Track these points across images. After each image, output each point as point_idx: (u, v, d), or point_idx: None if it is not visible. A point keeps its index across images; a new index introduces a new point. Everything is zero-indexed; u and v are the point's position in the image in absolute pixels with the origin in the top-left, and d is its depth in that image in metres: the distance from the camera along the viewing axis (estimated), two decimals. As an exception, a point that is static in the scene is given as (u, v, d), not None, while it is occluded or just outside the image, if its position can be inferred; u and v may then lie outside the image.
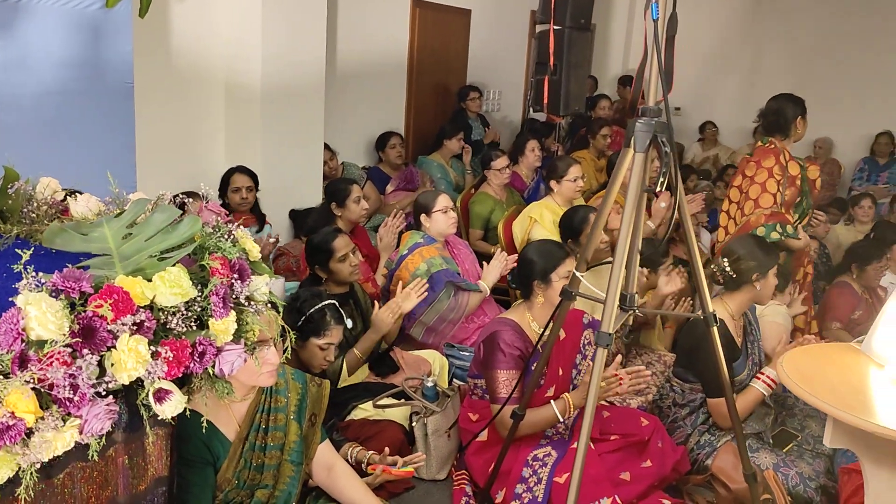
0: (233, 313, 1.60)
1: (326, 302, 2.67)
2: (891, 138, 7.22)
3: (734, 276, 2.83)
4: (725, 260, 2.87)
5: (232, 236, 1.70)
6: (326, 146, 4.73)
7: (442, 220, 3.66)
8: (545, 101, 4.97)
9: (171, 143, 3.90)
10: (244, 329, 1.67)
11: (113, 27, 3.00)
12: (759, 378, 2.83)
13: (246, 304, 1.64)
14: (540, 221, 4.00)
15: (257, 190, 4.01)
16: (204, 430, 1.70)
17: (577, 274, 2.13)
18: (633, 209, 1.88)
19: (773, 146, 3.67)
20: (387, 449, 2.50)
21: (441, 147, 5.58)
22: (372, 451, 2.57)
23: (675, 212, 1.89)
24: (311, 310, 2.63)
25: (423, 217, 3.68)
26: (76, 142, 2.91)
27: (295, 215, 4.47)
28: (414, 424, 2.85)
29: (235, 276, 1.61)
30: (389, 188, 5.21)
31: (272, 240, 3.70)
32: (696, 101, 8.30)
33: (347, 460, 2.55)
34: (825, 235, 5.26)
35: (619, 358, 2.72)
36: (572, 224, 3.52)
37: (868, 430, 1.75)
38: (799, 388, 1.91)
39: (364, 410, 2.92)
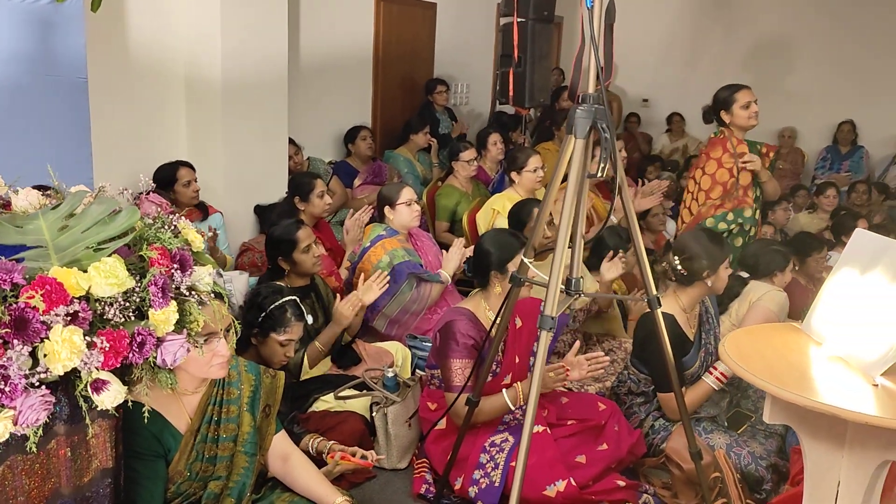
0: (174, 303, 1.60)
1: (287, 298, 2.68)
2: (853, 127, 7.34)
3: (685, 273, 2.85)
4: (676, 258, 2.88)
5: (173, 227, 1.71)
6: (291, 141, 4.72)
7: (406, 212, 3.69)
8: (510, 93, 5.00)
9: (130, 139, 3.88)
10: (187, 319, 1.67)
11: (64, 21, 2.97)
12: (710, 372, 2.86)
13: (188, 294, 1.65)
14: (503, 213, 4.03)
15: None
16: (146, 420, 1.70)
17: (526, 260, 2.16)
18: (574, 195, 1.90)
19: (722, 135, 3.75)
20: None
21: (408, 141, 5.60)
22: (333, 441, 2.60)
23: (617, 197, 1.93)
24: (272, 306, 2.63)
25: (386, 209, 3.70)
26: (28, 137, 2.89)
27: (260, 210, 4.47)
28: (374, 415, 2.87)
29: (176, 266, 1.62)
30: (357, 182, 5.21)
31: (210, 233, 3.69)
32: (663, 92, 8.39)
33: (308, 451, 2.57)
34: (785, 223, 5.35)
35: (577, 344, 2.76)
36: (520, 217, 3.56)
37: (803, 406, 1.80)
38: (738, 366, 1.95)
39: (325, 402, 2.94)
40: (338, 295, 3.16)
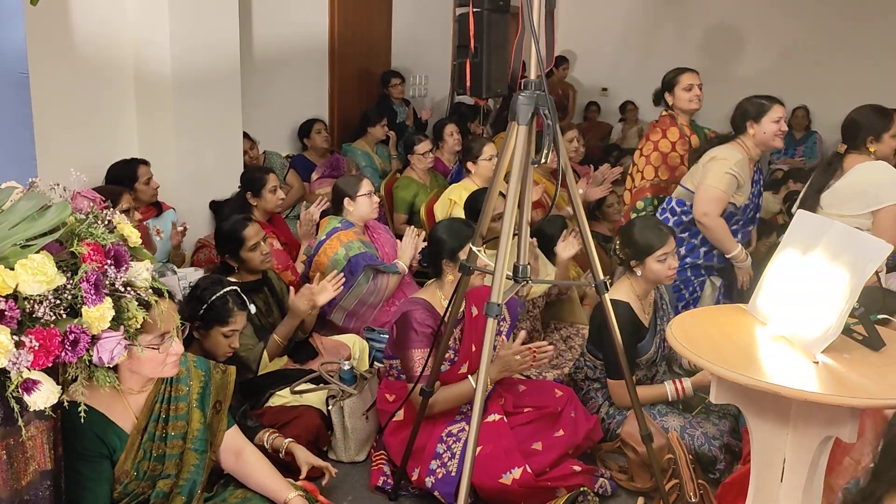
0: (108, 300, 1.57)
1: (228, 288, 2.64)
2: (806, 112, 7.47)
3: (622, 259, 2.89)
4: (617, 243, 2.95)
5: (108, 222, 1.67)
6: (246, 135, 4.66)
7: (366, 203, 3.68)
8: (468, 84, 4.99)
9: (77, 135, 3.79)
10: (124, 316, 1.64)
11: (2, 15, 2.89)
12: (674, 383, 2.92)
13: (123, 290, 1.61)
14: (459, 203, 4.02)
15: None
16: (85, 421, 1.66)
17: (474, 249, 2.16)
18: (518, 182, 1.90)
19: (665, 117, 3.82)
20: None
21: (365, 134, 5.56)
22: (289, 439, 2.57)
23: (560, 183, 1.93)
24: (213, 297, 2.59)
25: (346, 201, 3.68)
26: (-35, 135, 2.81)
27: (216, 206, 4.40)
28: (330, 408, 2.85)
29: (110, 262, 1.59)
30: (315, 176, 5.17)
31: (180, 228, 3.64)
32: (621, 81, 8.45)
33: (264, 447, 2.54)
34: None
35: (523, 334, 2.76)
36: (476, 206, 3.55)
37: (746, 385, 1.82)
38: (683, 347, 1.97)
39: (281, 397, 2.91)
40: (291, 289, 3.13)
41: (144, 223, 3.68)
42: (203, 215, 4.37)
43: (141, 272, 1.68)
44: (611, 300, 2.85)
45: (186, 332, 2.02)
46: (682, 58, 7.87)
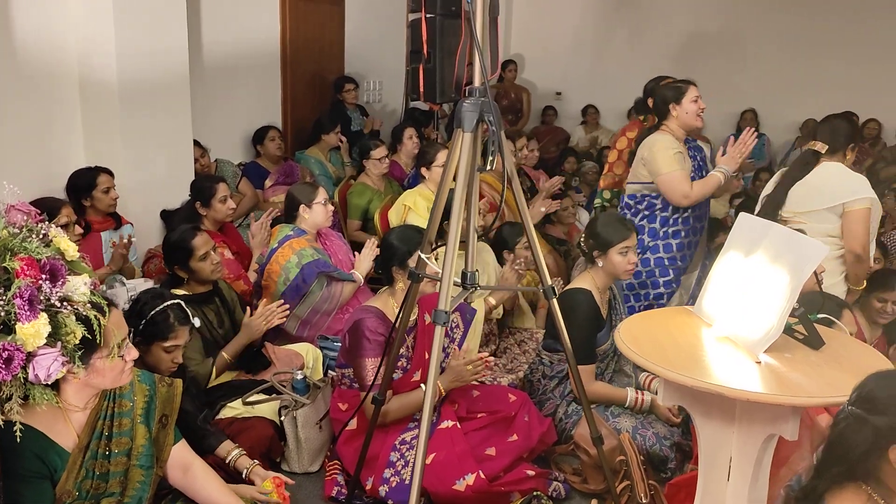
0: (44, 316, 1.53)
1: (170, 302, 2.53)
2: (755, 115, 7.64)
3: (586, 251, 2.95)
4: (583, 236, 3.01)
5: (43, 236, 1.63)
6: (196, 143, 4.59)
7: (321, 212, 3.67)
8: (421, 89, 5.00)
9: (20, 145, 3.68)
10: (61, 332, 1.60)
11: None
12: (636, 392, 2.97)
13: (60, 305, 1.57)
14: (414, 209, 4.02)
15: None
16: (20, 440, 1.62)
17: (423, 256, 2.16)
18: (463, 188, 1.91)
19: (630, 125, 3.90)
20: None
21: (319, 141, 5.52)
22: (255, 462, 2.51)
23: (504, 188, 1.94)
24: (152, 312, 2.48)
25: (301, 208, 3.66)
26: None
27: (166, 216, 4.32)
28: (283, 419, 2.82)
29: (45, 276, 1.55)
30: (268, 183, 5.11)
31: (125, 241, 3.56)
32: (576, 85, 8.54)
33: (228, 464, 2.49)
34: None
35: (466, 345, 2.77)
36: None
37: (692, 386, 1.85)
38: (631, 351, 1.99)
39: (233, 409, 2.87)
40: (248, 308, 3.07)
41: (101, 234, 3.61)
42: (154, 225, 4.29)
43: (79, 286, 1.64)
44: (574, 288, 2.94)
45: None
46: (634, 63, 8.04)
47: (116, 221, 3.76)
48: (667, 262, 3.58)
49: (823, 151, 3.21)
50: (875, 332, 3.33)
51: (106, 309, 1.78)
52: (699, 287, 3.47)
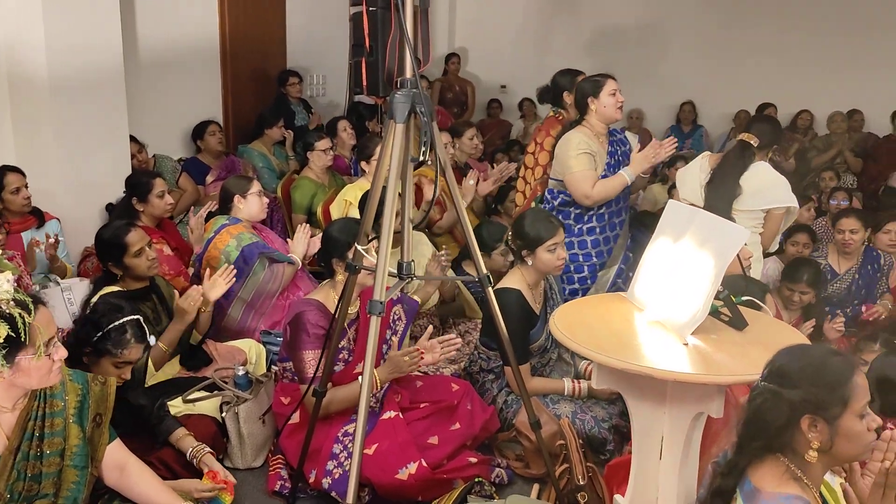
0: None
1: (129, 318, 2.43)
2: (693, 107, 7.82)
3: (514, 248, 2.97)
4: (509, 234, 3.03)
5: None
6: (133, 138, 4.50)
7: (256, 202, 3.68)
8: (364, 83, 4.99)
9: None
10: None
11: None
12: (573, 381, 3.03)
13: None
14: (355, 203, 4.01)
15: None
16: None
17: (360, 248, 2.17)
18: (396, 179, 1.92)
19: (560, 116, 3.94)
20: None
21: (262, 135, 5.47)
22: (207, 449, 2.51)
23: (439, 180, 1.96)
24: (110, 325, 2.38)
25: (236, 198, 3.66)
26: None
27: (112, 209, 4.24)
28: (225, 415, 2.80)
29: (-37, 274, 1.51)
30: (210, 178, 5.04)
31: (52, 240, 3.47)
32: (520, 78, 8.60)
33: (181, 453, 2.49)
34: (637, 197, 5.63)
35: (430, 329, 2.80)
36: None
37: (623, 370, 1.91)
38: (565, 336, 2.04)
39: (174, 407, 2.82)
40: (176, 293, 3.03)
41: (20, 235, 3.51)
42: (91, 223, 4.19)
43: (1, 283, 1.61)
44: (503, 288, 2.95)
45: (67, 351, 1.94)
46: (576, 56, 8.12)
47: (39, 219, 3.67)
48: (581, 259, 3.62)
49: (756, 145, 3.32)
50: (793, 315, 3.47)
51: (31, 307, 1.75)
52: (620, 280, 3.58)
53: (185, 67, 5.20)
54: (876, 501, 1.57)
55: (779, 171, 3.41)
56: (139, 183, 3.66)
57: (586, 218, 3.60)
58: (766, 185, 3.26)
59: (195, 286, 2.99)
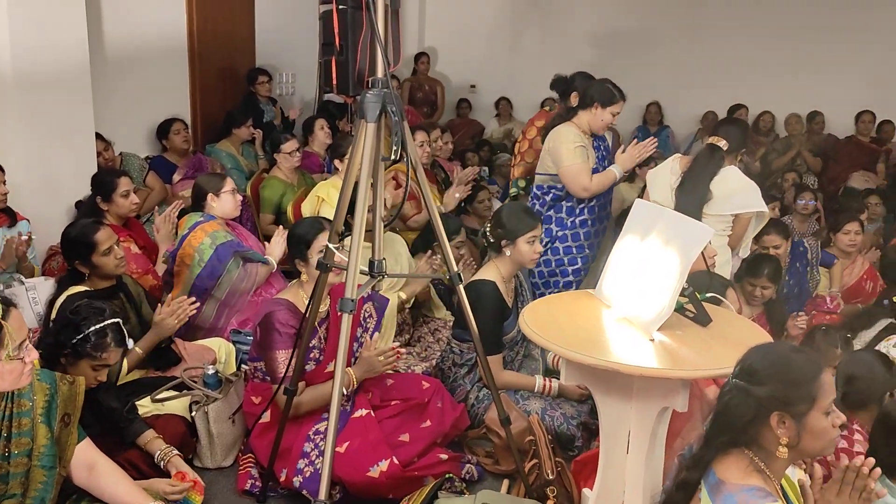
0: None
1: (109, 321, 2.38)
2: (659, 108, 7.93)
3: (492, 241, 3.01)
4: (488, 226, 3.06)
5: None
6: (99, 136, 4.44)
7: (229, 200, 3.67)
8: (334, 81, 4.99)
9: None
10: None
11: None
12: (544, 379, 3.06)
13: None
14: (328, 200, 4.01)
15: None
16: None
17: (331, 246, 2.17)
18: (368, 178, 1.94)
19: (551, 110, 4.03)
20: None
21: (230, 134, 5.43)
22: (172, 450, 2.50)
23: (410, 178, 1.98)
24: (90, 329, 2.34)
25: (209, 197, 3.65)
26: None
27: (80, 206, 4.18)
28: (194, 414, 2.78)
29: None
30: (177, 177, 4.98)
31: (24, 237, 3.42)
32: (490, 78, 8.65)
33: (150, 455, 2.48)
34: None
35: (376, 336, 2.82)
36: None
37: (591, 365, 1.95)
38: (534, 332, 2.08)
39: (142, 407, 2.80)
40: (159, 305, 2.99)
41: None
42: (56, 221, 4.12)
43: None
44: (479, 280, 2.99)
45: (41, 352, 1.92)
46: (546, 57, 8.21)
47: (11, 218, 3.61)
48: (575, 251, 3.69)
49: (726, 148, 3.36)
50: (755, 310, 3.55)
51: (2, 310, 1.74)
52: None
53: (152, 64, 5.14)
54: (833, 495, 1.62)
55: (748, 175, 3.48)
56: (103, 182, 3.61)
57: (578, 211, 3.67)
58: (737, 190, 3.31)
59: (177, 299, 2.95)
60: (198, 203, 3.67)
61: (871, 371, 2.50)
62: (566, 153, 3.52)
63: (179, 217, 3.69)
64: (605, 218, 3.81)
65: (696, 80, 7.74)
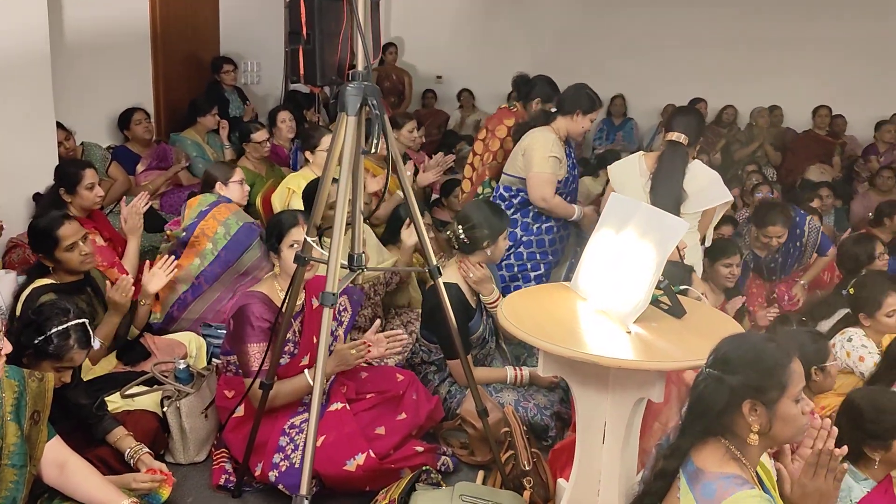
0: None
1: (73, 322, 2.30)
2: (623, 100, 8.03)
3: (467, 242, 3.00)
4: (460, 227, 3.03)
5: None
6: (60, 125, 4.33)
7: (237, 190, 3.77)
8: (301, 71, 4.93)
9: None
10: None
11: None
12: (515, 369, 3.08)
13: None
14: (298, 192, 3.97)
15: None
16: None
17: (309, 239, 2.16)
18: (349, 171, 1.93)
19: (514, 109, 4.00)
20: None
21: (195, 123, 5.34)
22: (142, 448, 2.46)
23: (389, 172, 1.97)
24: (52, 330, 2.26)
25: (218, 185, 3.74)
26: None
27: (39, 198, 4.06)
28: (166, 409, 2.75)
29: None
30: (140, 168, 4.89)
31: None
32: (456, 69, 8.65)
33: (121, 453, 2.44)
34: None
35: (378, 323, 2.81)
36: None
37: (569, 357, 1.97)
38: (512, 325, 2.09)
39: (112, 402, 2.76)
40: (108, 283, 2.94)
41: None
42: (15, 213, 4.02)
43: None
44: (443, 283, 2.97)
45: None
46: (511, 48, 8.24)
47: None
48: (538, 257, 3.70)
49: (686, 144, 3.36)
50: (718, 298, 3.63)
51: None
52: (572, 275, 3.67)
53: (114, 52, 5.02)
54: (808, 478, 1.67)
55: (709, 166, 3.53)
56: (68, 174, 3.52)
57: (544, 217, 3.68)
58: (705, 185, 3.35)
59: (125, 275, 2.92)
60: (206, 188, 3.76)
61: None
62: (539, 159, 3.52)
63: (189, 198, 3.67)
64: (570, 224, 3.80)
65: (660, 73, 7.85)
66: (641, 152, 3.65)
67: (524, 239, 3.69)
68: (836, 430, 1.66)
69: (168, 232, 3.58)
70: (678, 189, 3.26)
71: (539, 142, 3.56)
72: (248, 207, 4.50)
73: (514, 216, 3.69)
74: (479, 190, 3.95)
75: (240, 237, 3.41)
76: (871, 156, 6.88)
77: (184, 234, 3.47)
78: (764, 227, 3.95)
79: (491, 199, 3.79)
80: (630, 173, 3.50)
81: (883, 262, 3.83)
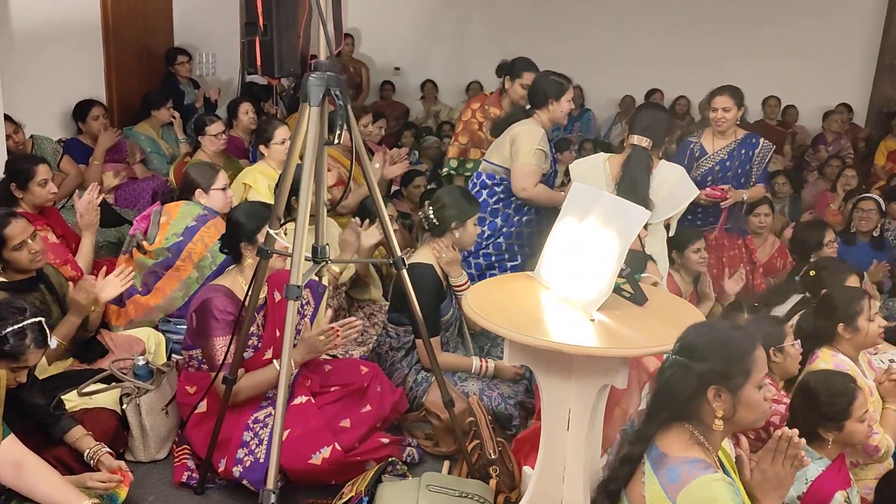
0: None
1: (30, 321, 2.21)
2: (580, 91, 8.08)
3: (437, 223, 3.02)
4: (431, 208, 3.06)
5: None
6: (8, 118, 4.19)
7: (220, 198, 3.55)
8: (258, 62, 4.86)
9: None
10: None
11: None
12: (481, 360, 3.09)
13: None
14: (255, 187, 3.93)
15: None
16: None
17: (272, 232, 2.14)
18: (311, 162, 1.91)
19: (486, 94, 4.11)
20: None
21: (149, 116, 5.23)
22: (105, 448, 2.41)
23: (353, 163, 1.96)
24: (7, 330, 2.16)
25: (198, 193, 3.53)
26: None
27: None
28: (125, 407, 2.69)
29: None
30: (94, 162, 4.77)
31: None
32: (413, 61, 8.63)
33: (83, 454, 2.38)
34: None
35: (329, 313, 2.80)
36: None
37: (534, 345, 1.99)
38: (478, 315, 2.10)
39: (69, 401, 2.69)
40: (70, 284, 2.88)
41: None
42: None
43: None
44: (416, 263, 3.00)
45: None
46: (468, 41, 8.26)
47: None
48: (517, 248, 3.72)
49: (650, 148, 3.39)
50: (689, 287, 3.69)
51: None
52: None
53: (63, 42, 4.88)
54: (767, 463, 1.72)
55: (668, 160, 3.57)
56: (20, 169, 3.40)
57: (525, 209, 3.71)
58: (673, 186, 3.39)
59: (88, 276, 2.85)
60: (185, 194, 3.54)
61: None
62: (525, 151, 3.55)
63: (164, 203, 3.51)
64: (552, 217, 3.83)
65: (617, 64, 7.94)
66: (605, 155, 3.65)
67: (504, 230, 3.71)
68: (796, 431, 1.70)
69: (144, 244, 3.39)
70: (644, 200, 3.23)
71: (527, 134, 3.58)
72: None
73: (496, 206, 3.71)
74: (444, 170, 4.01)
75: (225, 265, 3.23)
76: (820, 146, 7.05)
77: (168, 254, 3.34)
78: (712, 98, 3.94)
79: (470, 184, 3.83)
80: (594, 174, 3.54)
81: (832, 250, 3.89)
